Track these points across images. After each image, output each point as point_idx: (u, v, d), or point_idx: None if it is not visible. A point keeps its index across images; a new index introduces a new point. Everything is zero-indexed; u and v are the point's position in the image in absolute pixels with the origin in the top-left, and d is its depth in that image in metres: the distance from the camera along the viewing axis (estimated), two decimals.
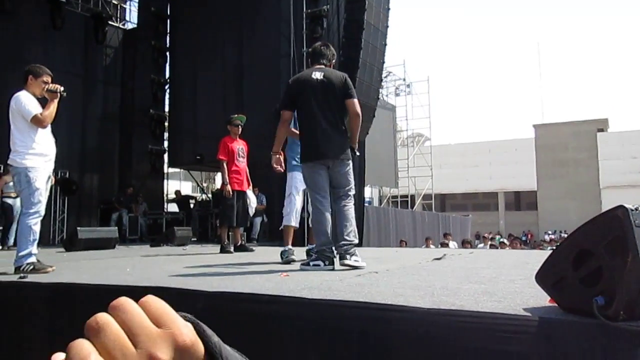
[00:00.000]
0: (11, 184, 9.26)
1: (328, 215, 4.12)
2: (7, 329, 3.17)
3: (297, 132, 4.61)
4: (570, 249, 1.76)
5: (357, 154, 4.38)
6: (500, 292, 2.44)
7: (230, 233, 7.20)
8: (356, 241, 4.05)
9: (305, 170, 4.24)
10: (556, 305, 1.88)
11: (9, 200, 9.31)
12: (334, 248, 4.03)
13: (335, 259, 3.99)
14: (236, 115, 7.15)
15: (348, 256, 3.89)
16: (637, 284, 1.57)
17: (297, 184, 5.33)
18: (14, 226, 9.24)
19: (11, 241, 9.26)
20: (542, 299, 2.02)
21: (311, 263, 4.02)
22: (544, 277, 1.88)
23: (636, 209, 1.58)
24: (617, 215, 1.58)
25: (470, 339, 1.86)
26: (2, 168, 10.17)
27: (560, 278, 1.79)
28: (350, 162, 4.24)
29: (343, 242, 3.97)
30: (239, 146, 6.96)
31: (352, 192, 4.25)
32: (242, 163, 6.94)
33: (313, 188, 4.17)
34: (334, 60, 4.47)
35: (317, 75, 4.18)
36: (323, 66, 4.29)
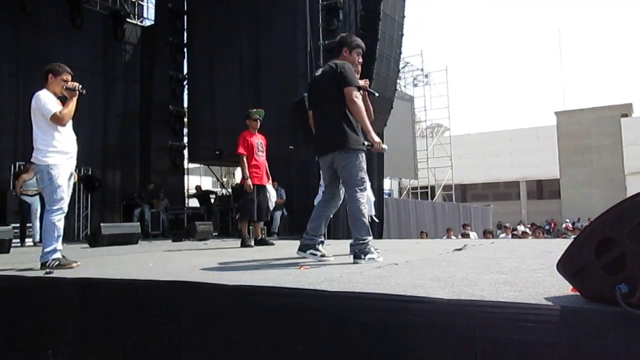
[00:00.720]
0: (30, 182, 9.47)
1: (315, 207, 4.35)
2: (33, 323, 3.24)
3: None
4: (592, 236, 1.73)
5: (366, 143, 4.02)
6: (522, 282, 2.42)
7: (250, 227, 7.23)
8: (368, 238, 3.89)
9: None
10: (578, 294, 1.85)
11: (27, 198, 9.51)
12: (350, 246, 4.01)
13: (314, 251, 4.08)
14: (255, 110, 7.18)
15: (362, 255, 3.82)
16: None
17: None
18: (37, 223, 9.46)
19: (37, 238, 9.48)
20: (564, 288, 2.00)
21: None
22: (565, 265, 1.86)
23: None
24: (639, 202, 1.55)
25: (491, 329, 1.84)
26: (22, 166, 10.38)
27: (583, 266, 1.76)
28: (354, 154, 3.96)
29: (353, 242, 3.93)
30: (258, 140, 6.99)
31: (360, 186, 3.96)
32: (261, 157, 6.97)
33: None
34: (344, 47, 4.19)
35: (319, 71, 4.26)
36: (335, 59, 4.18)
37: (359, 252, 3.84)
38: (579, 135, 36.82)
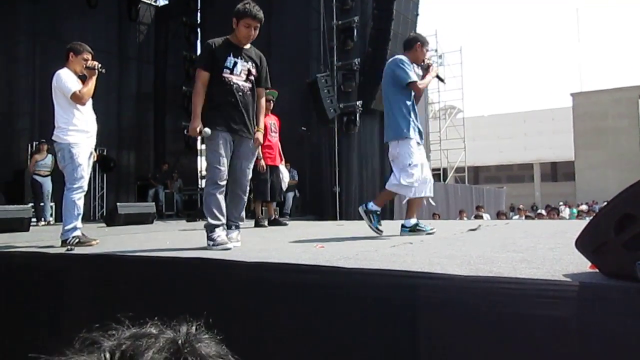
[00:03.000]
0: (42, 162, 9.57)
1: None
2: (54, 297, 3.31)
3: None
4: (612, 213, 1.73)
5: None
6: (539, 260, 2.43)
7: (264, 207, 7.28)
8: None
9: None
10: (597, 270, 1.86)
11: (39, 179, 9.62)
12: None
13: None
14: (268, 91, 7.15)
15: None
16: None
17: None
18: (48, 203, 9.59)
19: (48, 217, 9.61)
20: (582, 265, 2.01)
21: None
22: (584, 242, 1.86)
23: None
24: None
25: (509, 305, 1.86)
26: (34, 146, 10.48)
27: (602, 243, 1.77)
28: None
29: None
30: (271, 121, 6.97)
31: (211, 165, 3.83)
32: (274, 138, 6.97)
33: None
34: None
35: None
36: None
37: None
38: (595, 116, 36.29)
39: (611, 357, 1.62)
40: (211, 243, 3.64)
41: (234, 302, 2.61)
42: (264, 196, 6.98)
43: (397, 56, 4.72)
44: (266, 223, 6.91)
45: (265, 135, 6.81)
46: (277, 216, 7.33)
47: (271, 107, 7.04)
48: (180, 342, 0.62)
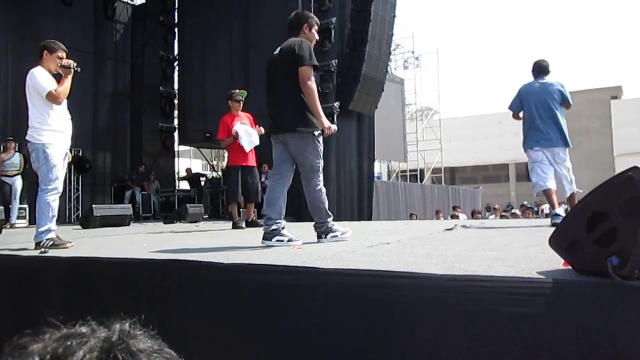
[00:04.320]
0: (8, 162, 9.27)
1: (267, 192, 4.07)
2: (28, 302, 3.25)
3: None
4: (584, 211, 1.77)
5: (316, 133, 3.86)
6: (513, 258, 2.47)
7: (241, 209, 7.25)
8: (328, 220, 3.92)
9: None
10: (570, 267, 1.90)
11: (7, 179, 9.32)
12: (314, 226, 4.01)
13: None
14: (237, 91, 7.12)
15: (324, 235, 3.87)
16: None
17: None
18: (15, 204, 9.26)
19: (13, 219, 9.24)
20: (555, 263, 2.05)
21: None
22: (558, 240, 1.90)
23: None
24: (631, 176, 1.59)
25: (484, 303, 1.88)
26: (1, 146, 10.16)
27: (575, 241, 1.80)
28: (305, 134, 3.86)
29: (315, 225, 3.98)
30: (241, 121, 6.90)
31: (312, 171, 3.90)
32: None
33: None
34: (305, 24, 4.03)
35: (276, 50, 4.06)
36: (293, 38, 4.01)
37: (320, 233, 3.92)
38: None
39: (584, 351, 1.66)
40: (339, 233, 3.86)
41: (210, 303, 2.59)
42: (234, 197, 6.96)
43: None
44: (244, 224, 6.87)
45: (234, 142, 6.77)
46: (255, 217, 7.28)
47: (240, 108, 7.02)
48: (113, 339, 0.62)
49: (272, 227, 3.81)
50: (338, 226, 4.00)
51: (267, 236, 3.81)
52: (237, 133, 6.64)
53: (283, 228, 3.84)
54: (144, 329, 0.68)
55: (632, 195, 1.59)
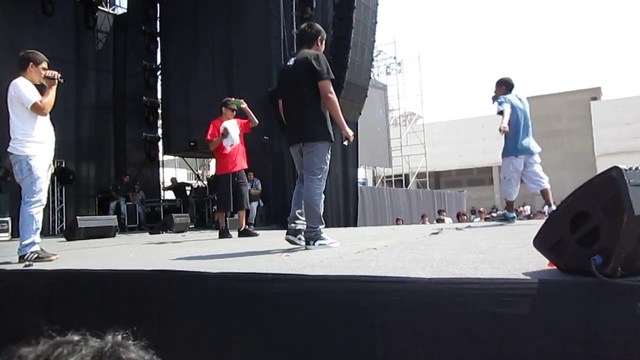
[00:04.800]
0: None
1: (294, 196, 4.27)
2: (13, 316, 3.20)
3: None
4: (567, 211, 1.80)
5: (345, 143, 4.19)
6: (499, 260, 2.49)
7: (228, 218, 7.17)
8: (320, 227, 3.99)
9: None
10: (555, 267, 1.93)
11: None
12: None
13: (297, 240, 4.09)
14: (233, 99, 7.05)
15: (312, 242, 3.94)
16: (634, 241, 1.61)
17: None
18: None
19: None
20: (541, 263, 2.07)
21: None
22: (542, 241, 1.93)
23: (630, 169, 1.62)
24: (611, 176, 1.63)
25: (472, 305, 1.90)
26: None
27: (558, 241, 1.83)
28: (320, 143, 4.04)
29: (305, 229, 4.05)
30: (232, 123, 6.78)
31: (317, 175, 4.04)
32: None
33: None
34: (319, 37, 4.22)
35: (291, 61, 4.21)
36: (305, 49, 4.16)
37: (308, 239, 3.97)
38: (550, 119, 37.42)
39: (571, 349, 1.68)
40: (327, 242, 3.91)
41: (199, 313, 2.58)
42: (226, 207, 6.84)
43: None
44: (237, 234, 6.75)
45: (220, 144, 6.68)
46: (247, 227, 7.10)
47: (232, 117, 6.97)
48: (105, 349, 0.62)
49: (313, 233, 3.97)
50: (327, 235, 4.04)
51: (310, 241, 3.97)
52: (226, 129, 6.55)
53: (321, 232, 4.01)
54: (137, 340, 0.68)
55: (613, 195, 1.62)
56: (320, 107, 4.06)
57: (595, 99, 37.54)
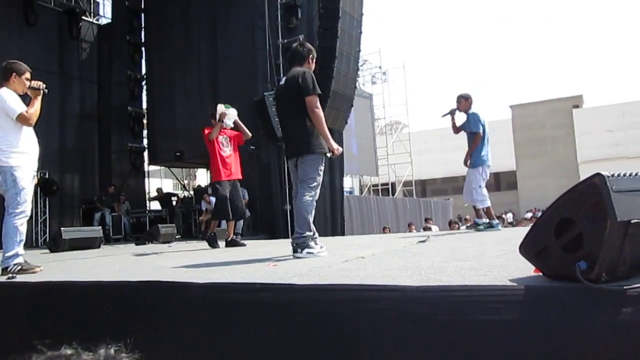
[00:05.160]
0: None
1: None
2: None
3: None
4: (551, 218, 1.82)
5: (329, 154, 4.28)
6: (486, 267, 2.52)
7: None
8: (307, 233, 4.07)
9: None
10: (541, 274, 1.95)
11: None
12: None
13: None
14: (225, 105, 6.97)
15: (299, 249, 4.02)
16: (617, 247, 1.64)
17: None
18: None
19: None
20: (527, 270, 2.10)
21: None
22: (527, 247, 1.95)
23: (612, 176, 1.65)
24: (594, 183, 1.65)
25: (460, 312, 1.92)
26: None
27: (544, 247, 1.86)
28: (312, 155, 4.19)
29: (294, 235, 4.16)
30: (222, 136, 6.76)
31: (309, 184, 4.19)
32: (227, 152, 6.73)
33: None
34: (310, 55, 4.43)
35: (283, 80, 4.43)
36: (297, 67, 4.34)
37: (296, 246, 4.05)
38: (533, 127, 37.90)
39: (558, 354, 1.70)
40: (315, 251, 4.00)
41: (186, 324, 2.56)
42: (225, 215, 6.67)
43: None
44: (224, 244, 6.67)
45: (217, 151, 6.64)
46: (235, 237, 6.98)
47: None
48: None
49: (301, 240, 4.07)
50: (316, 244, 4.11)
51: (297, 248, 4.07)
52: (222, 114, 6.58)
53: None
54: (129, 353, 0.68)
55: (596, 201, 1.65)
56: (311, 121, 4.22)
57: (577, 106, 38.08)
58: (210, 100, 11.97)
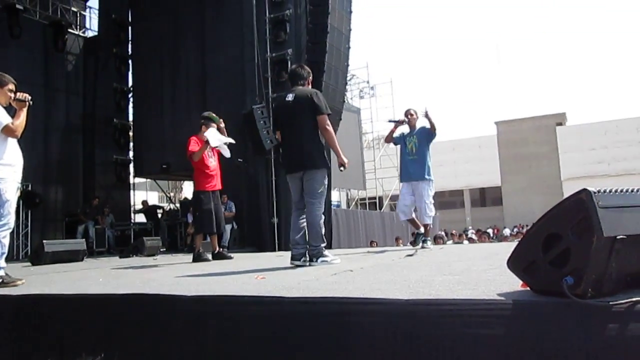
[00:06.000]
0: None
1: (292, 222, 4.69)
2: None
3: None
4: (539, 233, 1.84)
5: (342, 169, 4.62)
6: (474, 281, 2.53)
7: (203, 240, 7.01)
8: (322, 245, 4.47)
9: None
10: (528, 289, 1.96)
11: None
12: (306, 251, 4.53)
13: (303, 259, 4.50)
14: (213, 115, 6.92)
15: (315, 259, 4.41)
16: (604, 262, 1.66)
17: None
18: None
19: None
20: (514, 284, 2.11)
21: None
22: (515, 262, 1.96)
23: (598, 192, 1.67)
24: (581, 198, 1.67)
25: (448, 326, 1.92)
26: None
27: (531, 262, 1.87)
28: (321, 170, 4.54)
29: (309, 247, 4.50)
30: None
31: (318, 199, 4.52)
32: (212, 163, 6.69)
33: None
34: (310, 78, 4.77)
35: (290, 97, 4.64)
36: (299, 86, 4.67)
37: (311, 256, 4.43)
38: (518, 143, 38.37)
39: None
40: (328, 259, 4.39)
41: (174, 338, 2.53)
42: (210, 228, 6.58)
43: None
44: (210, 257, 6.58)
45: (202, 161, 6.59)
46: (221, 250, 6.94)
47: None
48: None
49: (301, 250, 4.48)
50: (329, 253, 4.53)
51: (298, 257, 4.47)
52: (207, 141, 6.44)
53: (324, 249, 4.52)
54: None
55: (582, 217, 1.67)
56: (318, 138, 4.56)
57: (560, 124, 38.66)
58: (199, 112, 11.93)
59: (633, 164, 34.78)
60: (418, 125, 6.71)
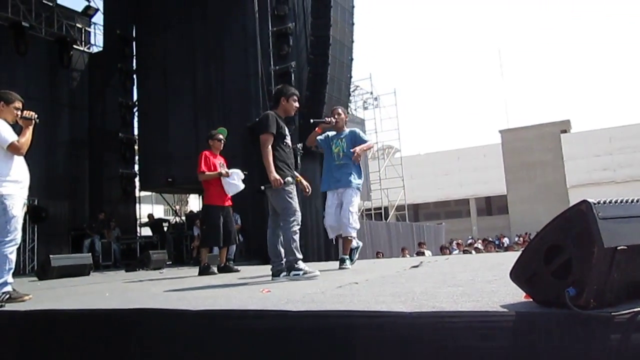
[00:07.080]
0: None
1: (269, 236, 4.86)
2: None
3: None
4: (541, 245, 1.85)
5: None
6: (478, 293, 2.53)
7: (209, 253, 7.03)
8: (297, 257, 4.50)
9: None
10: (531, 300, 1.97)
11: None
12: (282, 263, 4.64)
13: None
14: (218, 129, 6.99)
15: (286, 271, 4.50)
16: (605, 273, 1.67)
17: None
18: None
19: None
20: (517, 296, 2.12)
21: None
22: (518, 274, 1.97)
23: (598, 203, 1.69)
24: (581, 210, 1.69)
25: (452, 338, 1.92)
26: None
27: (534, 273, 1.88)
28: (280, 188, 4.57)
29: (285, 261, 4.59)
30: (220, 161, 6.79)
31: (285, 215, 4.61)
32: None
33: None
34: (283, 97, 4.86)
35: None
36: (274, 109, 4.87)
37: (287, 269, 4.51)
38: (522, 151, 38.29)
39: None
40: (301, 272, 4.38)
41: (180, 352, 2.54)
42: (216, 242, 6.65)
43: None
44: (216, 270, 6.59)
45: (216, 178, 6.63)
46: (228, 263, 6.98)
47: (222, 148, 6.95)
48: None
49: (279, 267, 4.61)
50: (304, 266, 4.49)
51: (277, 273, 4.59)
52: (232, 173, 6.61)
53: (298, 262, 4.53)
54: None
55: (583, 228, 1.68)
56: (276, 155, 4.64)
57: (564, 131, 38.57)
58: (204, 126, 12.05)
59: (638, 171, 34.63)
60: (347, 127, 5.89)
